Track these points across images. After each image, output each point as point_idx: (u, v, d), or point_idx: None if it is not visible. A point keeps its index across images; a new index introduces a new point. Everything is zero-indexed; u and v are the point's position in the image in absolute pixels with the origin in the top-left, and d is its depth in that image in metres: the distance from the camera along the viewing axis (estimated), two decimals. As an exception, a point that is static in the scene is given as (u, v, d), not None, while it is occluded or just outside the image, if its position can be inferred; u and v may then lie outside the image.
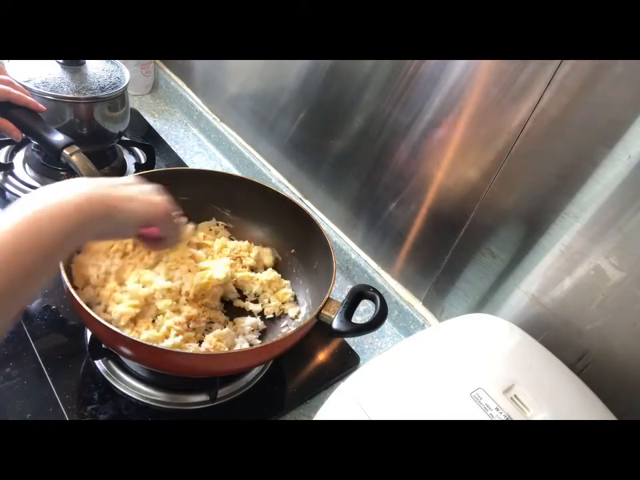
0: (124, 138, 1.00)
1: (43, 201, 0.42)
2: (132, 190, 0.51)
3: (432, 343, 0.58)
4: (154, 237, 0.57)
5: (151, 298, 0.68)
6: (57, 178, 0.90)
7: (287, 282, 0.80)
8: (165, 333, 0.65)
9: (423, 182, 0.76)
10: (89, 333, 0.69)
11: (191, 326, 0.67)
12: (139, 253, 0.72)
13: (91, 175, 0.73)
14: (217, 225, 0.84)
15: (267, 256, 0.82)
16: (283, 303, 0.77)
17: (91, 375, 0.67)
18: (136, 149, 1.04)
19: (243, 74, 1.06)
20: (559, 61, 0.57)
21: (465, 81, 0.67)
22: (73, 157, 0.73)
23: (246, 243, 0.82)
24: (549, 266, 0.63)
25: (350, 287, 0.80)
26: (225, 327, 0.71)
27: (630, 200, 0.54)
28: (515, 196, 0.66)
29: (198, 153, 1.17)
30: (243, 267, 0.80)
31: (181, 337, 0.65)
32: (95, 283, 0.67)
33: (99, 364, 0.68)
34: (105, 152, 0.97)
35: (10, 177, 0.89)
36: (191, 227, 0.76)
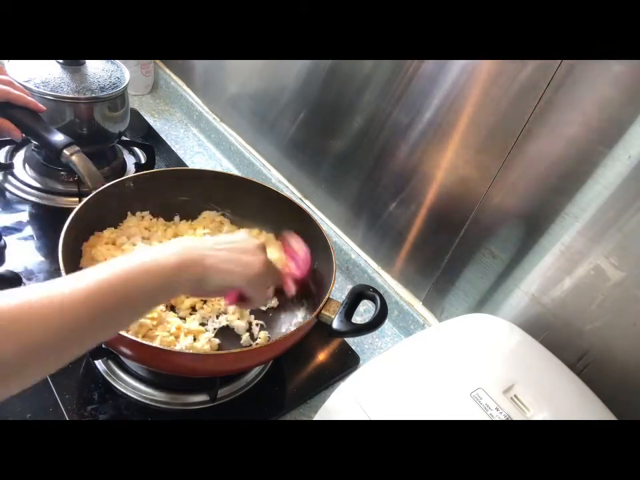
0: (124, 138, 1.00)
1: (141, 257, 0.43)
2: (231, 249, 0.52)
3: (432, 343, 0.58)
4: (239, 297, 0.56)
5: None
6: (57, 178, 0.90)
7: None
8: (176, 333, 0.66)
9: (423, 182, 0.76)
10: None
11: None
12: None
13: (90, 174, 0.73)
14: (223, 215, 0.84)
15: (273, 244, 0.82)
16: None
17: (91, 375, 0.67)
18: (136, 148, 1.04)
19: (243, 74, 1.06)
20: (559, 61, 0.57)
21: (465, 80, 0.67)
22: (73, 157, 0.73)
23: (256, 230, 0.83)
24: (548, 266, 0.63)
25: (350, 287, 0.80)
26: None
27: (630, 200, 0.54)
28: (515, 196, 0.66)
29: (198, 152, 1.17)
30: None
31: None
32: None
33: (99, 364, 0.68)
34: (105, 152, 0.97)
35: (10, 177, 0.89)
36: (274, 300, 0.77)
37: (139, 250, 0.45)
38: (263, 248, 0.55)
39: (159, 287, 0.44)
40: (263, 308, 0.76)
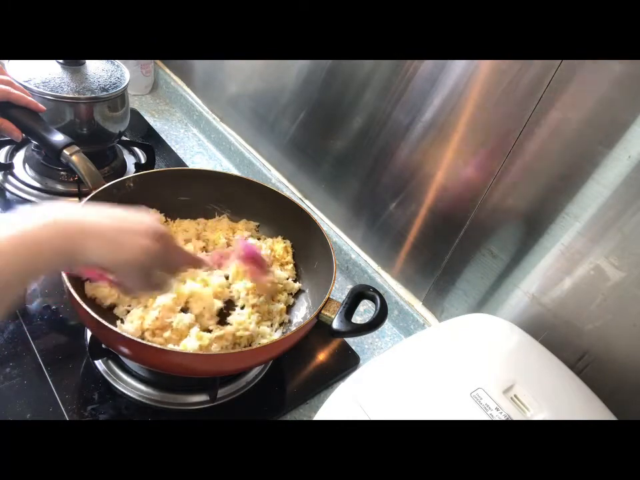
0: (124, 138, 1.00)
1: (9, 230, 0.40)
2: (112, 225, 0.46)
3: (432, 343, 0.58)
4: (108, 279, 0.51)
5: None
6: (57, 178, 0.90)
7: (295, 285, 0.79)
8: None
9: (423, 182, 0.76)
10: (89, 333, 0.69)
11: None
12: None
13: (91, 174, 0.73)
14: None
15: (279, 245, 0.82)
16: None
17: (91, 375, 0.67)
18: (136, 148, 1.04)
19: (243, 74, 1.06)
20: (559, 61, 0.57)
21: (465, 81, 0.67)
22: (73, 157, 0.73)
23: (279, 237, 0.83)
24: (548, 266, 0.63)
25: (350, 286, 0.80)
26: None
27: (630, 200, 0.54)
28: (515, 196, 0.66)
29: (198, 152, 1.17)
30: None
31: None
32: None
33: (99, 364, 0.68)
34: (105, 152, 0.97)
35: (10, 177, 0.89)
36: (172, 281, 0.59)
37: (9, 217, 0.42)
38: (158, 234, 0.49)
39: (27, 264, 0.40)
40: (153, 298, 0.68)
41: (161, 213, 0.81)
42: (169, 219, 0.82)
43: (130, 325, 0.64)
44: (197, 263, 0.59)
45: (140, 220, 0.49)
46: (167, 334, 0.64)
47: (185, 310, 0.69)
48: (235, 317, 0.70)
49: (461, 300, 0.76)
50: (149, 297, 0.67)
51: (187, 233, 0.80)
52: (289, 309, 0.77)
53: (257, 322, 0.70)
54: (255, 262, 0.69)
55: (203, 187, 0.82)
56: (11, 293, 0.41)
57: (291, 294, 0.78)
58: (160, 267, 0.51)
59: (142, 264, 0.48)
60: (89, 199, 0.68)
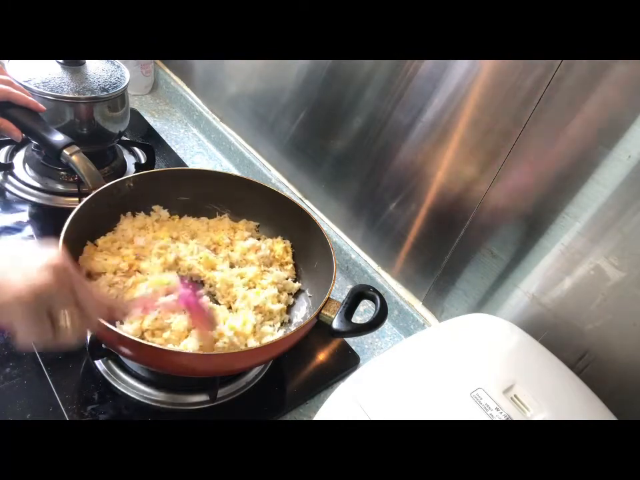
0: (124, 138, 1.00)
1: None
2: (4, 260, 0.41)
3: (432, 343, 0.58)
4: None
5: None
6: (57, 178, 0.90)
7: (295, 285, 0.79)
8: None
9: (423, 182, 0.76)
10: (89, 333, 0.69)
11: None
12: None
13: (91, 174, 0.73)
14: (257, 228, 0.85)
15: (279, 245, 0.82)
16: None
17: (91, 375, 0.67)
18: (136, 148, 1.04)
19: (243, 74, 1.06)
20: (559, 61, 0.57)
21: (465, 81, 0.67)
22: (73, 157, 0.73)
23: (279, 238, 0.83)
24: (548, 266, 0.63)
25: (350, 286, 0.80)
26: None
27: (630, 200, 0.54)
28: (515, 196, 0.66)
29: (198, 152, 1.17)
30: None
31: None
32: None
33: (99, 364, 0.68)
34: (105, 152, 0.97)
35: (10, 177, 0.89)
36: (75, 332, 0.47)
37: None
38: (55, 269, 0.42)
39: None
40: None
41: (164, 209, 0.81)
42: (174, 216, 0.82)
43: (129, 326, 0.64)
44: (113, 309, 0.52)
45: (34, 253, 0.43)
46: (166, 334, 0.64)
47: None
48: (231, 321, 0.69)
49: (461, 300, 0.76)
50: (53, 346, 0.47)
51: (192, 231, 0.81)
52: (289, 308, 0.77)
53: (254, 325, 0.70)
54: (196, 313, 0.64)
55: (203, 187, 0.82)
56: None
57: (291, 294, 0.78)
58: (60, 306, 0.43)
59: (30, 302, 0.40)
60: (89, 199, 0.68)
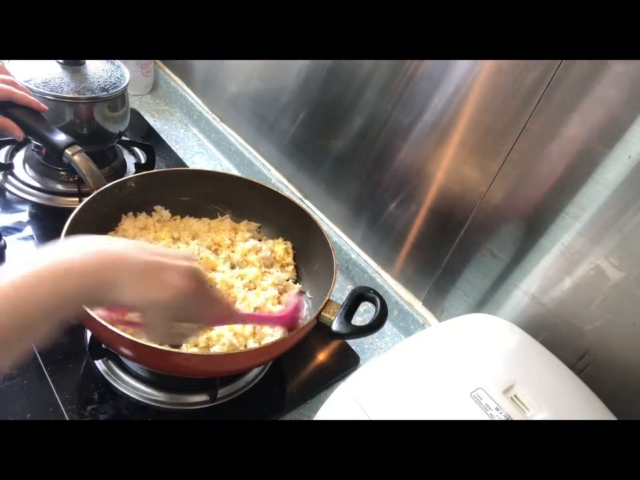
0: (124, 138, 1.00)
1: (41, 260, 0.38)
2: (149, 261, 0.42)
3: (432, 343, 0.58)
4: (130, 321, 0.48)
5: None
6: (57, 178, 0.90)
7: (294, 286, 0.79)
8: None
9: (423, 182, 0.76)
10: (89, 333, 0.69)
11: None
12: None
13: (92, 174, 0.73)
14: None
15: (279, 246, 0.82)
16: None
17: (91, 375, 0.67)
18: (136, 148, 1.04)
19: (243, 74, 1.06)
20: (559, 61, 0.57)
21: (465, 80, 0.67)
22: (75, 157, 0.73)
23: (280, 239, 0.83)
24: (548, 266, 0.63)
25: (350, 287, 0.80)
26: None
27: (630, 200, 0.54)
28: (515, 196, 0.66)
29: (198, 152, 1.17)
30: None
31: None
32: None
33: (99, 364, 0.68)
34: (105, 152, 0.97)
35: (10, 177, 0.89)
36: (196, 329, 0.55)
37: (46, 251, 0.38)
38: (193, 274, 0.44)
39: (52, 297, 0.37)
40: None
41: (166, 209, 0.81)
42: (175, 216, 0.82)
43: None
44: (227, 317, 0.53)
45: (176, 257, 0.44)
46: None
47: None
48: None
49: (461, 300, 0.76)
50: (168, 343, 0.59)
51: (193, 231, 0.81)
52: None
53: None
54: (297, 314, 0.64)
55: (203, 187, 0.82)
56: (35, 330, 0.38)
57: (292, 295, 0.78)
58: (188, 312, 0.46)
59: (171, 305, 0.43)
60: (90, 199, 0.68)
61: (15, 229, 0.84)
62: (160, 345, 0.54)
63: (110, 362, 0.68)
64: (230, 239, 0.81)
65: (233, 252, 0.80)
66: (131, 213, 0.78)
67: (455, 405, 0.49)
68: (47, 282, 0.37)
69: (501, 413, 0.48)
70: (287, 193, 0.83)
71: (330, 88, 0.86)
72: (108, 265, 0.40)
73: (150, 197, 0.79)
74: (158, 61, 1.30)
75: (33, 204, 0.88)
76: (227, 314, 0.53)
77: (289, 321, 0.62)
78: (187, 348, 0.66)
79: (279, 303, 0.75)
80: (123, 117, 0.93)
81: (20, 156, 0.94)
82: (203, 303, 0.47)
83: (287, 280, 0.78)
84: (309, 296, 0.78)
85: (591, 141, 0.57)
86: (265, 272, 0.78)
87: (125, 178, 0.75)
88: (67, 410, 0.62)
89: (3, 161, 0.91)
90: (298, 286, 0.78)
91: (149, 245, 0.45)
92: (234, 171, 1.13)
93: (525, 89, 0.61)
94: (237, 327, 0.67)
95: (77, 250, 0.40)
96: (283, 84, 0.96)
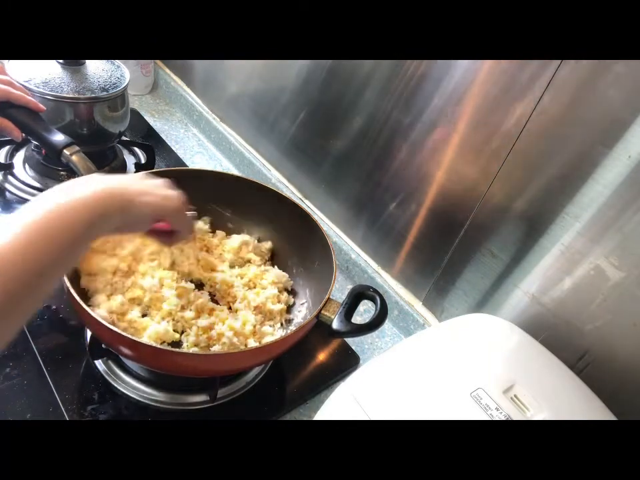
0: (124, 138, 1.00)
1: (65, 195, 0.43)
2: (146, 184, 0.52)
3: (432, 343, 0.58)
4: (166, 231, 0.58)
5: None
6: (57, 178, 0.90)
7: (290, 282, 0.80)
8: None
9: (423, 182, 0.76)
10: (89, 333, 0.69)
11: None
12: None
13: (91, 174, 0.73)
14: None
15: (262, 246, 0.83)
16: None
17: (91, 375, 0.67)
18: (136, 148, 1.04)
19: (243, 74, 1.06)
20: (559, 61, 0.57)
21: (465, 80, 0.67)
22: (74, 157, 0.73)
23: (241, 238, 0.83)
24: (548, 266, 0.63)
25: (350, 286, 0.80)
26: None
27: (630, 200, 0.54)
28: (515, 196, 0.66)
29: (198, 152, 1.17)
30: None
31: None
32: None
33: (99, 364, 0.68)
34: (105, 152, 0.97)
35: (10, 177, 0.89)
36: (200, 223, 0.79)
37: (57, 188, 0.45)
38: (171, 185, 0.56)
39: (86, 223, 0.43)
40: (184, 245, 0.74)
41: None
42: None
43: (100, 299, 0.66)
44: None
45: (154, 179, 0.54)
46: (130, 316, 0.66)
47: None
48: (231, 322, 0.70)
49: (461, 300, 0.76)
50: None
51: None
52: (289, 309, 0.77)
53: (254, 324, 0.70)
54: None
55: (203, 187, 0.81)
56: (80, 247, 0.44)
57: (290, 293, 0.78)
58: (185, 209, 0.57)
59: (184, 209, 0.56)
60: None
61: (14, 228, 0.84)
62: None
63: (110, 362, 0.68)
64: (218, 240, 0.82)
65: (224, 251, 0.80)
66: None
67: (455, 405, 0.49)
68: (81, 211, 0.43)
69: (500, 412, 0.48)
70: (287, 193, 0.83)
71: (330, 88, 0.86)
72: (117, 195, 0.47)
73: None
74: (158, 61, 1.30)
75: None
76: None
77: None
78: (187, 348, 0.66)
79: (279, 301, 0.75)
80: (122, 116, 0.93)
81: (20, 156, 0.94)
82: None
83: (287, 279, 0.78)
84: (309, 295, 0.78)
85: (591, 141, 0.57)
86: (265, 271, 0.78)
87: (125, 178, 0.75)
88: (67, 410, 0.62)
89: (3, 161, 0.91)
90: (290, 282, 0.79)
91: (133, 175, 0.54)
92: (234, 171, 1.13)
93: (524, 89, 0.61)
94: (237, 326, 0.67)
95: (86, 189, 0.45)
96: (282, 84, 0.96)
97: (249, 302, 0.72)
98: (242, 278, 0.76)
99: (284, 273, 0.79)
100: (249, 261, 0.81)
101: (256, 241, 0.82)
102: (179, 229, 0.59)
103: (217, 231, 0.83)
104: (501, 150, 0.65)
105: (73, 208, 0.43)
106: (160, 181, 0.55)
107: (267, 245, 0.83)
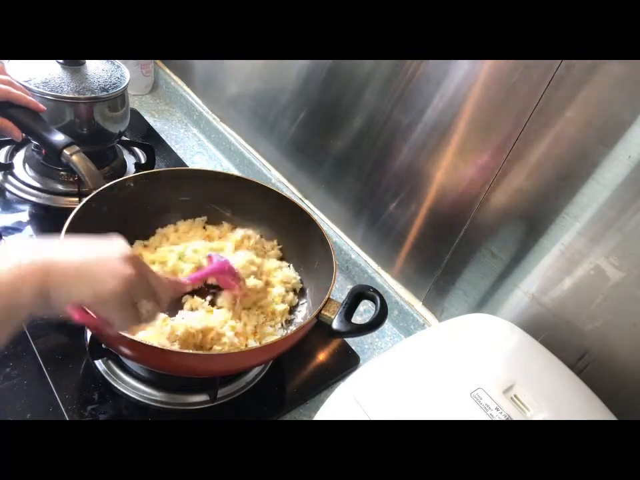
0: (124, 138, 1.00)
1: None
2: (85, 258, 0.44)
3: (432, 343, 0.58)
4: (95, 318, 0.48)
5: None
6: (57, 178, 0.90)
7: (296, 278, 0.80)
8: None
9: (423, 182, 0.76)
10: (89, 333, 0.69)
11: None
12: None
13: (91, 174, 0.73)
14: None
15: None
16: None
17: (91, 375, 0.67)
18: (136, 148, 1.04)
19: (243, 74, 1.06)
20: (559, 61, 0.57)
21: (465, 80, 0.67)
22: (74, 157, 0.73)
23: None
24: (548, 266, 0.63)
25: (350, 286, 0.80)
26: None
27: (630, 200, 0.54)
28: (515, 196, 0.66)
29: (198, 152, 1.17)
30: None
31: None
32: None
33: (99, 364, 0.68)
34: (105, 152, 0.97)
35: (10, 177, 0.89)
36: (162, 316, 0.65)
37: None
38: (132, 260, 0.46)
39: (5, 308, 0.38)
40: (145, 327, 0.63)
41: (160, 212, 0.81)
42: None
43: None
44: (176, 286, 0.56)
45: (109, 248, 0.46)
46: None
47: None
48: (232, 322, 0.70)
49: (461, 300, 0.76)
50: (139, 329, 0.61)
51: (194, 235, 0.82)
52: (291, 309, 0.77)
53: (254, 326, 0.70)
54: (229, 274, 0.71)
55: (203, 187, 0.82)
56: None
57: (297, 293, 0.78)
58: (142, 293, 0.48)
59: (124, 293, 0.45)
60: (89, 199, 0.68)
61: (14, 228, 0.84)
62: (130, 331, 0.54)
63: (110, 362, 0.68)
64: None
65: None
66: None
67: (455, 405, 0.49)
68: None
69: (501, 412, 0.48)
70: (287, 193, 0.83)
71: (330, 88, 0.86)
72: (41, 274, 0.41)
73: (149, 196, 0.79)
74: (158, 61, 1.30)
75: (33, 204, 0.88)
76: (175, 284, 0.56)
77: (227, 267, 0.69)
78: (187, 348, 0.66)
79: (283, 301, 0.75)
80: (122, 116, 0.93)
81: (20, 156, 0.94)
82: (150, 281, 0.49)
83: (297, 279, 0.79)
84: (309, 295, 0.78)
85: (591, 141, 0.57)
86: (279, 267, 0.79)
87: (124, 178, 0.75)
88: (67, 410, 0.62)
89: (3, 161, 0.91)
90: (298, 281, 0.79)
91: (77, 241, 0.46)
92: (234, 171, 1.13)
93: (525, 89, 0.61)
94: (238, 326, 0.68)
95: (8, 262, 0.40)
96: (283, 84, 0.96)
97: (255, 301, 0.73)
98: (252, 264, 0.76)
99: (295, 274, 0.79)
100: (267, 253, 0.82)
101: (259, 236, 0.83)
102: (107, 317, 0.47)
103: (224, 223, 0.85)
104: (501, 150, 0.65)
105: None
106: (112, 253, 0.45)
107: (273, 242, 0.83)
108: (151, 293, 0.49)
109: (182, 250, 0.75)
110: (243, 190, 0.82)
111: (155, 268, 0.73)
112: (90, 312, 0.46)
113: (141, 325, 0.53)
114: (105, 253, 0.45)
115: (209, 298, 0.73)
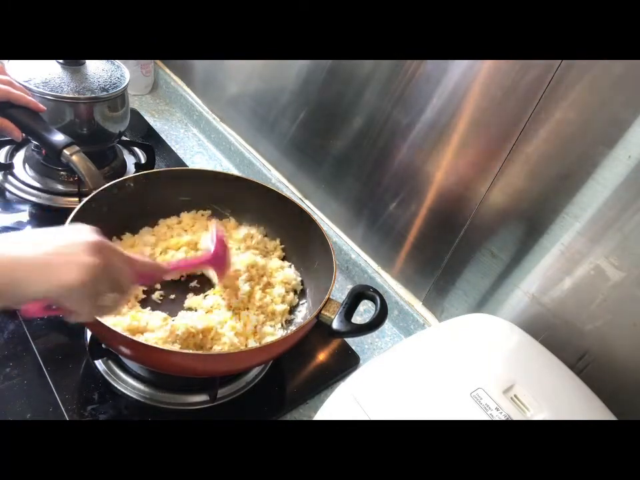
0: (124, 138, 1.00)
1: None
2: (47, 249, 0.42)
3: (432, 343, 0.58)
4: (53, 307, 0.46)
5: None
6: (57, 178, 0.90)
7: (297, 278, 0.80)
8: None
9: (423, 182, 0.76)
10: (89, 333, 0.69)
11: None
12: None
13: (91, 174, 0.73)
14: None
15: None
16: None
17: (91, 375, 0.67)
18: (136, 148, 1.04)
19: (243, 74, 1.06)
20: (559, 61, 0.57)
21: (465, 81, 0.67)
22: (74, 157, 0.73)
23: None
24: (548, 266, 0.63)
25: (350, 286, 0.80)
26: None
27: (630, 200, 0.54)
28: (515, 196, 0.66)
29: (198, 152, 1.17)
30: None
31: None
32: None
33: (99, 364, 0.68)
34: (105, 152, 0.97)
35: (10, 177, 0.89)
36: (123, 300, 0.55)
37: None
38: (97, 248, 0.45)
39: None
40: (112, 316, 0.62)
41: (160, 212, 0.81)
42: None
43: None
44: (155, 270, 0.55)
45: (73, 237, 0.45)
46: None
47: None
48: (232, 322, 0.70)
49: (461, 300, 0.76)
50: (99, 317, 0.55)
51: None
52: (291, 309, 0.77)
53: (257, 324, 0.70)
54: (223, 247, 0.68)
55: (203, 187, 0.82)
56: None
57: (297, 293, 0.78)
58: (108, 284, 0.46)
59: (85, 284, 0.43)
60: (89, 199, 0.68)
61: (15, 229, 0.84)
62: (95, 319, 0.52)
63: (110, 362, 0.68)
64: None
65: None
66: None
67: (455, 405, 0.49)
68: None
69: (500, 412, 0.48)
70: (287, 193, 0.83)
71: (330, 88, 0.86)
72: (6, 271, 0.40)
73: (149, 196, 0.79)
74: (158, 61, 1.30)
75: (33, 204, 0.88)
76: (149, 270, 0.54)
77: (216, 259, 0.66)
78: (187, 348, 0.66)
79: (283, 301, 0.75)
80: (122, 116, 0.93)
81: (20, 156, 0.94)
82: (118, 269, 0.47)
83: (297, 279, 0.79)
84: (309, 295, 0.78)
85: (591, 141, 0.57)
86: (281, 267, 0.79)
87: (124, 178, 0.75)
88: (67, 410, 0.62)
89: (3, 161, 0.91)
90: (299, 282, 0.78)
91: (35, 233, 0.45)
92: (234, 171, 1.13)
93: (525, 89, 0.61)
94: (238, 326, 0.67)
95: None
96: (283, 84, 0.96)
97: (254, 302, 0.72)
98: (253, 267, 0.76)
99: (296, 275, 0.79)
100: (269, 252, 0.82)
101: (262, 235, 0.83)
102: (70, 308, 0.45)
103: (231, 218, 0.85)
104: (501, 150, 0.65)
105: None
106: (75, 242, 0.44)
107: (275, 242, 0.83)
108: (118, 283, 0.47)
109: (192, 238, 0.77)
110: (243, 190, 0.82)
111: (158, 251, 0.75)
112: (53, 304, 0.45)
113: (108, 314, 0.52)
114: (67, 242, 0.44)
115: (205, 295, 0.73)
